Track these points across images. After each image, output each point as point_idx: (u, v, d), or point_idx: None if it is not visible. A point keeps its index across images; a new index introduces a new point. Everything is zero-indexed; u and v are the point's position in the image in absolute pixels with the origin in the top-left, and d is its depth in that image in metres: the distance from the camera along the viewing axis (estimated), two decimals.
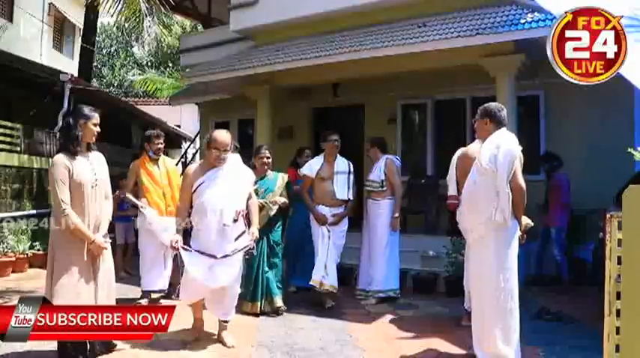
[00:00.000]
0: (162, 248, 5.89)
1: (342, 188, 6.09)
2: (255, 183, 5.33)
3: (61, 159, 3.81)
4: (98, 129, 4.01)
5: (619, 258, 2.79)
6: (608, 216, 2.92)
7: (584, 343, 4.35)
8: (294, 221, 6.47)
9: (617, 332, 2.78)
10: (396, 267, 6.38)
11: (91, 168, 3.92)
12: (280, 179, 5.91)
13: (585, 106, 7.47)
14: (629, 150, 3.17)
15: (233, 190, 4.54)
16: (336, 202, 6.06)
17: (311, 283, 5.91)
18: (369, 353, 4.48)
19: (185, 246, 4.39)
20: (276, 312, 5.65)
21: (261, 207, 5.46)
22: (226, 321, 4.68)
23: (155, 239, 5.92)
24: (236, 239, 4.49)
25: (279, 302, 5.70)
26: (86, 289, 3.80)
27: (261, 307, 5.63)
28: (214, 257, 4.38)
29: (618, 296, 2.79)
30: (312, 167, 6.16)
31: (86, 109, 3.99)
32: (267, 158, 5.84)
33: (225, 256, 4.40)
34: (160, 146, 6.14)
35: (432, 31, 7.09)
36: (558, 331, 5.07)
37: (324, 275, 5.86)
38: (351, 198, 6.13)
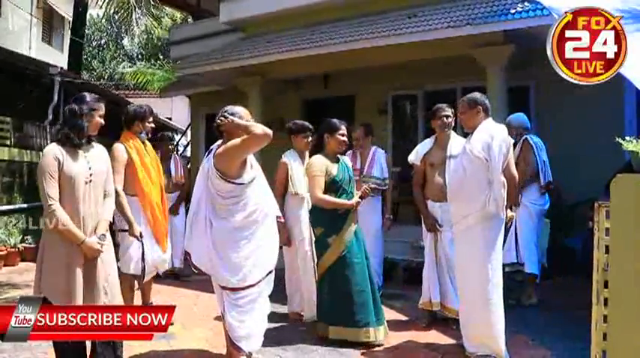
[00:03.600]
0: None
1: None
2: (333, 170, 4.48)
3: (51, 149, 3.34)
4: (102, 121, 3.62)
5: (607, 247, 2.81)
6: (596, 205, 2.93)
7: (573, 332, 4.39)
8: None
9: (605, 321, 2.80)
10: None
11: (86, 162, 3.45)
12: (349, 165, 4.74)
13: (575, 97, 7.49)
14: (617, 139, 3.18)
15: None
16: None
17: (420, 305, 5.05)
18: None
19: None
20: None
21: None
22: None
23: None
24: None
25: (383, 331, 4.47)
26: (78, 294, 3.43)
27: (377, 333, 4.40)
28: (270, 272, 3.81)
29: (606, 285, 2.81)
30: (417, 152, 4.95)
31: (92, 98, 3.53)
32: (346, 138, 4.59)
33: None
34: (153, 125, 4.97)
35: (422, 22, 7.10)
36: (547, 320, 5.11)
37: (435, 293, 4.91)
38: None
